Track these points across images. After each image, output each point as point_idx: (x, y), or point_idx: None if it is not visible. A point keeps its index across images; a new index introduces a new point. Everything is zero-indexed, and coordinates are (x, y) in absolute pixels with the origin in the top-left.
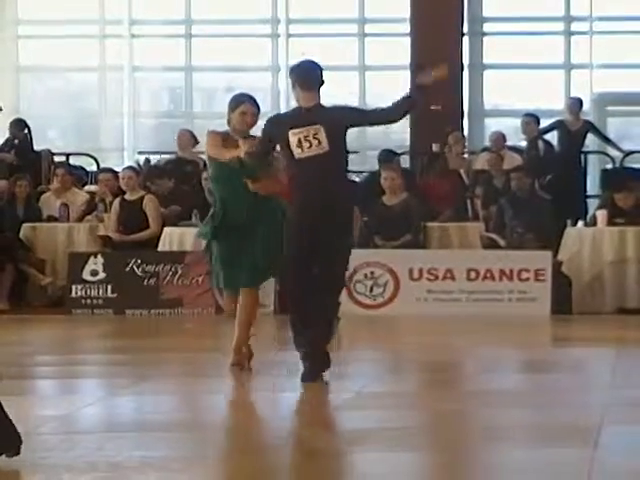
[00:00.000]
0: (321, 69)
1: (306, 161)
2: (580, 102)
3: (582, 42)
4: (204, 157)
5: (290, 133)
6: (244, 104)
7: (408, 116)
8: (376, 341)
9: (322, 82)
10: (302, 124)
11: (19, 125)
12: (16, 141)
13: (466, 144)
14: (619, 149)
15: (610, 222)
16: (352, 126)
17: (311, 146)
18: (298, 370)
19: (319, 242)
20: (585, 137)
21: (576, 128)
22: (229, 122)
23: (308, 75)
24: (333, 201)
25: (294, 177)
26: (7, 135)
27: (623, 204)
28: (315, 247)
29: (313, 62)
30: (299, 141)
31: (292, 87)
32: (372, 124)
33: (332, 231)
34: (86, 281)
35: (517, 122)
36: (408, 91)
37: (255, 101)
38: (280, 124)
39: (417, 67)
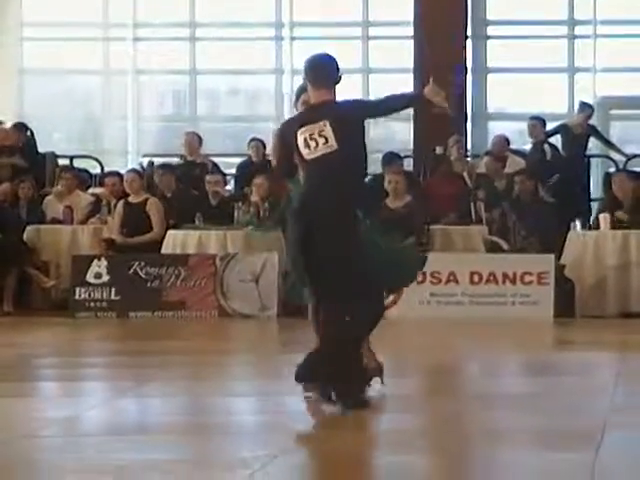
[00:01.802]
0: (337, 64)
1: (315, 162)
2: (592, 109)
3: (586, 46)
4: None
5: (298, 133)
6: (305, 93)
7: (412, 119)
8: (379, 344)
9: (337, 79)
10: (307, 122)
11: (19, 129)
12: (20, 144)
13: (468, 147)
14: (622, 153)
15: (612, 224)
16: (367, 117)
17: (317, 145)
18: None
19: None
20: (588, 141)
21: (579, 132)
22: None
23: (318, 71)
24: (332, 204)
25: (305, 180)
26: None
27: (621, 195)
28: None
29: (327, 56)
30: (305, 140)
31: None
32: (384, 114)
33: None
34: (90, 284)
35: (521, 125)
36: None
37: None
38: (290, 127)
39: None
